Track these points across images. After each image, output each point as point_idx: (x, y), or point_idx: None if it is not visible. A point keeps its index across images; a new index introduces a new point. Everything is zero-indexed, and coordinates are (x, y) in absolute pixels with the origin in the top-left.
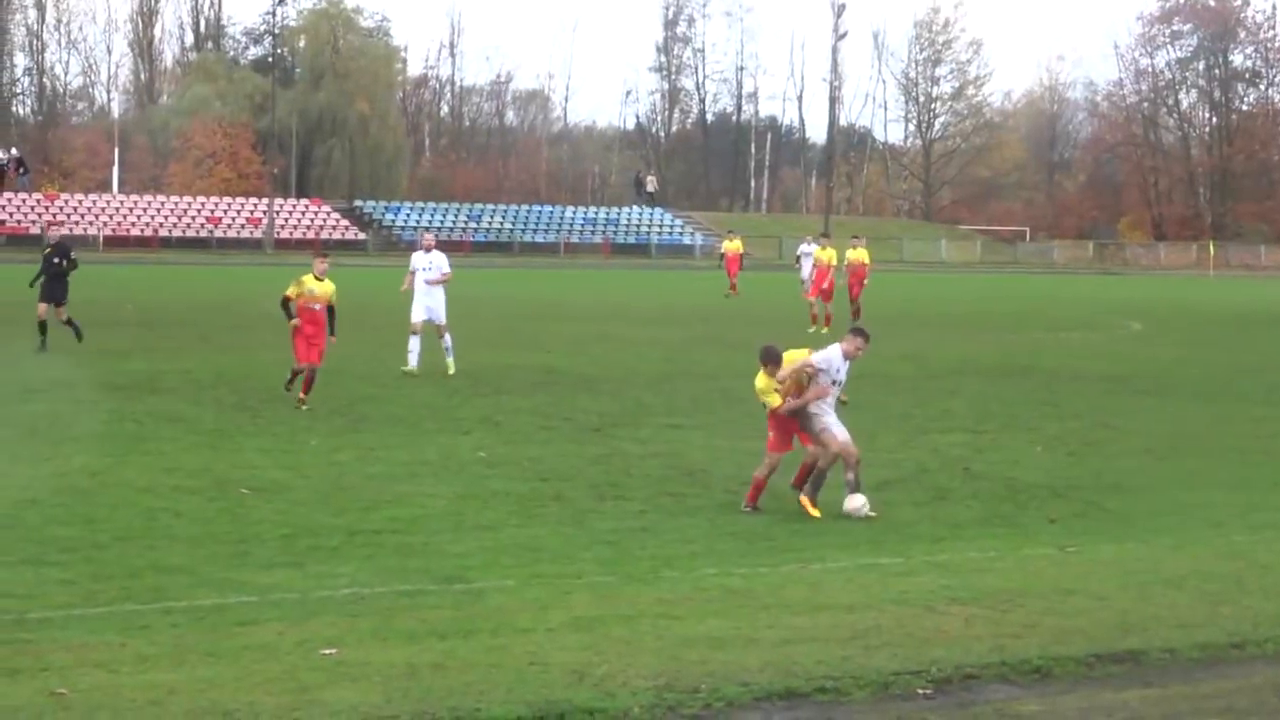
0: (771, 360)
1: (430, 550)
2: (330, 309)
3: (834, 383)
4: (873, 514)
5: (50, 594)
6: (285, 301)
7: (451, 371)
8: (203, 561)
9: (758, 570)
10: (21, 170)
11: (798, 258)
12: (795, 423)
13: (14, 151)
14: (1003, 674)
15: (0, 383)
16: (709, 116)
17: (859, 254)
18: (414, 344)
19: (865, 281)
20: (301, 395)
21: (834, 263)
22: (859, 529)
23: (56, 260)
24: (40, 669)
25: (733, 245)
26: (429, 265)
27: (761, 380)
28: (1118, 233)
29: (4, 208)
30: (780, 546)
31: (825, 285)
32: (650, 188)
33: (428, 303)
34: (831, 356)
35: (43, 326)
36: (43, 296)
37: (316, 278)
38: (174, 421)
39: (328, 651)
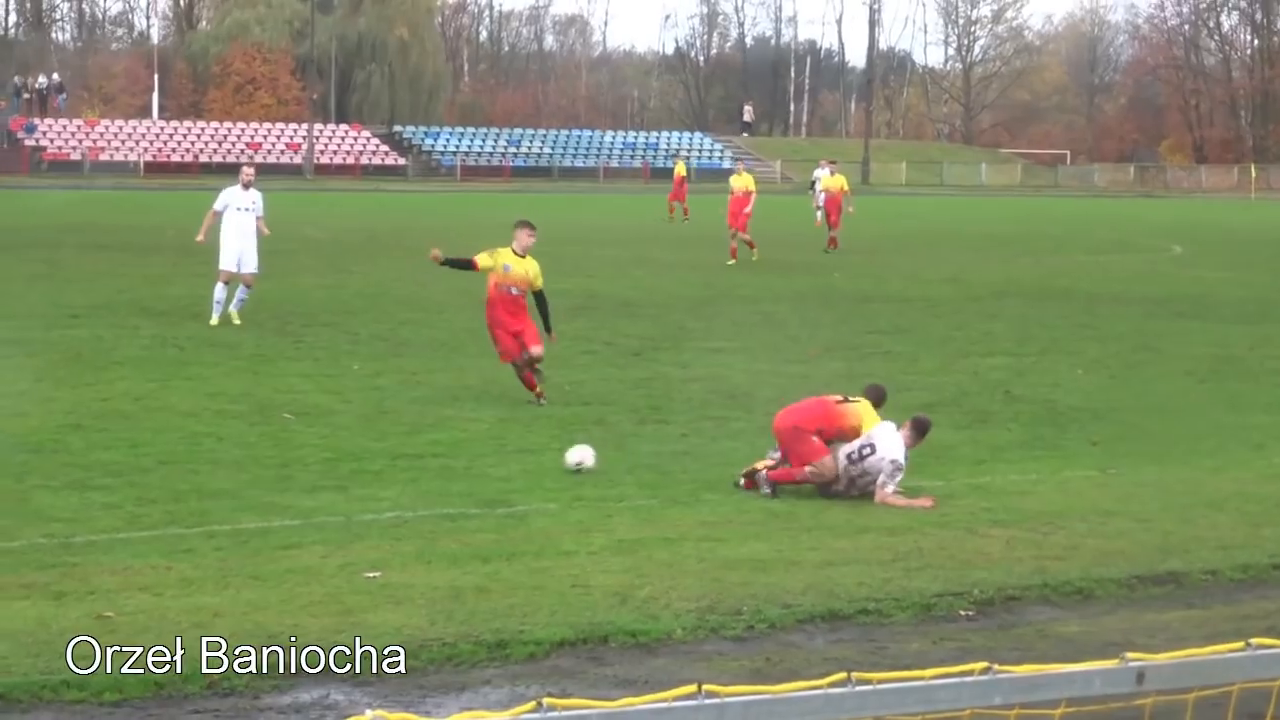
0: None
1: (473, 474)
2: (539, 296)
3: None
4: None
5: (95, 518)
6: (463, 263)
7: (237, 322)
8: (246, 485)
9: (800, 493)
10: (60, 95)
11: (812, 183)
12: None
13: (55, 77)
14: (1044, 596)
15: (43, 308)
16: (748, 40)
17: (835, 180)
18: (219, 293)
19: (848, 210)
20: (536, 392)
21: (845, 189)
22: None
23: None
24: (87, 592)
25: (679, 168)
26: (252, 204)
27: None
28: (1159, 156)
29: (45, 134)
30: None
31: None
32: (747, 117)
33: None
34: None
35: None
36: None
37: (517, 254)
38: (215, 347)
39: (371, 574)
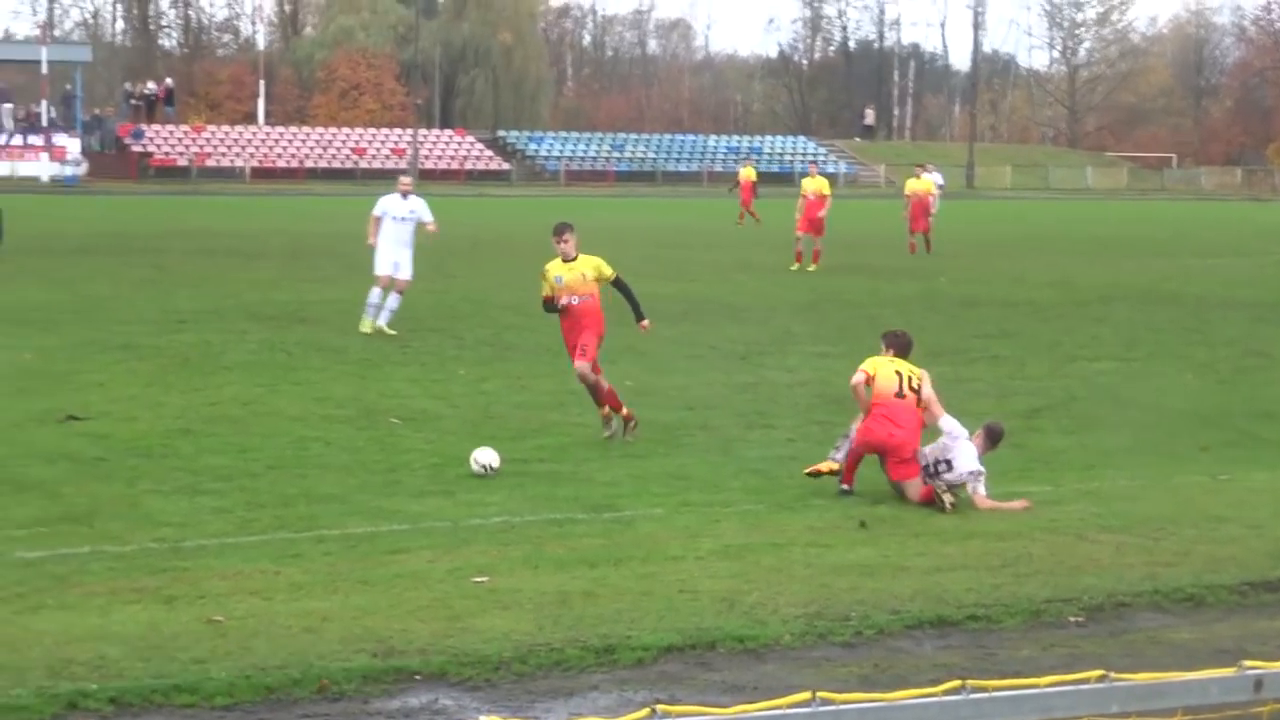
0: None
1: (579, 479)
2: (619, 285)
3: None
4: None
5: (205, 522)
6: (545, 303)
7: (390, 333)
8: (354, 490)
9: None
10: (167, 100)
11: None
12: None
13: (168, 81)
14: (1155, 602)
15: (152, 313)
16: (851, 44)
17: (922, 184)
18: (374, 298)
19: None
20: (605, 412)
21: (931, 192)
22: (1008, 457)
23: None
24: (197, 596)
25: (746, 172)
26: (410, 214)
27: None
28: (1266, 159)
29: (153, 140)
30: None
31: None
32: (869, 120)
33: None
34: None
35: None
36: None
37: (564, 261)
38: (323, 351)
39: (479, 579)
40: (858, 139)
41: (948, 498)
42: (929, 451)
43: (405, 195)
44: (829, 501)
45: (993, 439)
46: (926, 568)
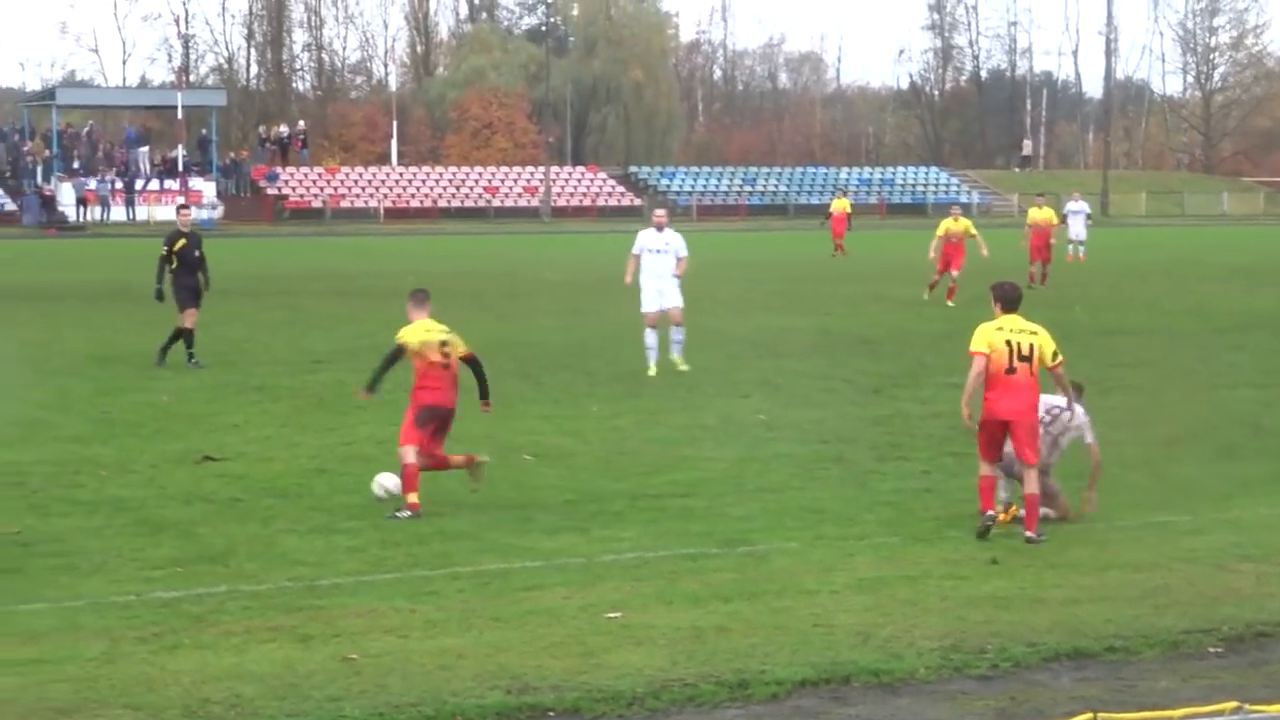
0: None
1: (712, 514)
2: (472, 363)
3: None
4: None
5: (340, 561)
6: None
7: (682, 369)
8: (488, 527)
9: (1042, 529)
10: (302, 145)
11: (1063, 217)
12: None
13: (301, 125)
14: None
15: (286, 354)
16: (983, 73)
17: (1044, 214)
18: (651, 339)
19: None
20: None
21: (1053, 222)
22: (1146, 486)
23: (197, 254)
24: (332, 635)
25: (842, 204)
26: (665, 246)
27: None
28: None
29: (287, 182)
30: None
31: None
32: (1026, 151)
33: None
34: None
35: (183, 335)
36: (188, 300)
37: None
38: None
39: (613, 615)
40: (1016, 170)
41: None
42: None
43: (660, 229)
44: (964, 534)
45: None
46: (1063, 599)
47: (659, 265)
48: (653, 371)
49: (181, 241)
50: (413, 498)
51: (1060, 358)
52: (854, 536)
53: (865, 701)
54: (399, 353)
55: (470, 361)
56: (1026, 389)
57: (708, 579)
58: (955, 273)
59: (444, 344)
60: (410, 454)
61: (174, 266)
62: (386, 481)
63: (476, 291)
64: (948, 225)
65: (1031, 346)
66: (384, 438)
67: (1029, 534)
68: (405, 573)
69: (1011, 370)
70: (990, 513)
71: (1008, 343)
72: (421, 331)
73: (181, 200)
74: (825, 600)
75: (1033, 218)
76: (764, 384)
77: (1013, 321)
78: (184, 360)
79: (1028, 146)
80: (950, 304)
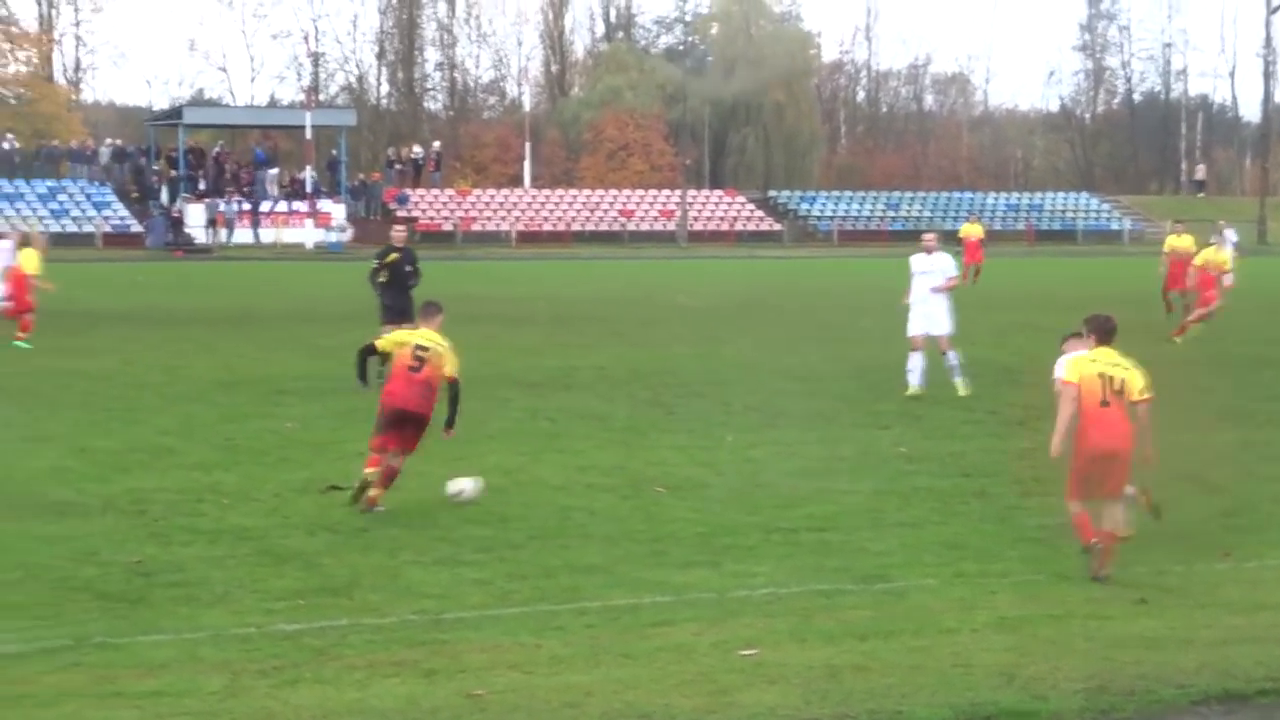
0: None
1: (849, 548)
2: (451, 385)
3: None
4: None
5: (465, 594)
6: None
7: (963, 393)
8: (617, 560)
9: (1192, 568)
10: (435, 166)
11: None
12: None
13: (435, 145)
14: None
15: None
16: (1136, 96)
17: (1183, 241)
18: (913, 362)
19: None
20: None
21: (1192, 250)
22: None
23: (409, 269)
24: (457, 670)
25: (973, 229)
26: (931, 269)
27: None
28: None
29: (418, 204)
30: (1215, 544)
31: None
32: (1200, 175)
33: (923, 314)
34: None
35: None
36: (394, 317)
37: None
38: (587, 418)
39: (746, 652)
40: (1197, 195)
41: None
42: None
43: (930, 252)
44: (1111, 571)
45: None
46: (1212, 640)
47: (926, 288)
48: (911, 392)
49: (393, 256)
50: (374, 492)
51: (1148, 395)
52: (996, 573)
53: None
54: (370, 350)
55: (451, 384)
56: (1121, 422)
57: (843, 616)
58: (1198, 305)
59: (421, 349)
60: (373, 455)
61: (384, 280)
62: (457, 487)
63: (610, 317)
64: (1172, 242)
65: (1123, 382)
66: (512, 467)
67: (1102, 572)
68: (532, 607)
69: (1105, 404)
70: (1094, 540)
71: (1100, 375)
72: (403, 338)
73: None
74: (965, 639)
75: (1170, 245)
76: (905, 415)
77: (1107, 355)
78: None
79: (1201, 171)
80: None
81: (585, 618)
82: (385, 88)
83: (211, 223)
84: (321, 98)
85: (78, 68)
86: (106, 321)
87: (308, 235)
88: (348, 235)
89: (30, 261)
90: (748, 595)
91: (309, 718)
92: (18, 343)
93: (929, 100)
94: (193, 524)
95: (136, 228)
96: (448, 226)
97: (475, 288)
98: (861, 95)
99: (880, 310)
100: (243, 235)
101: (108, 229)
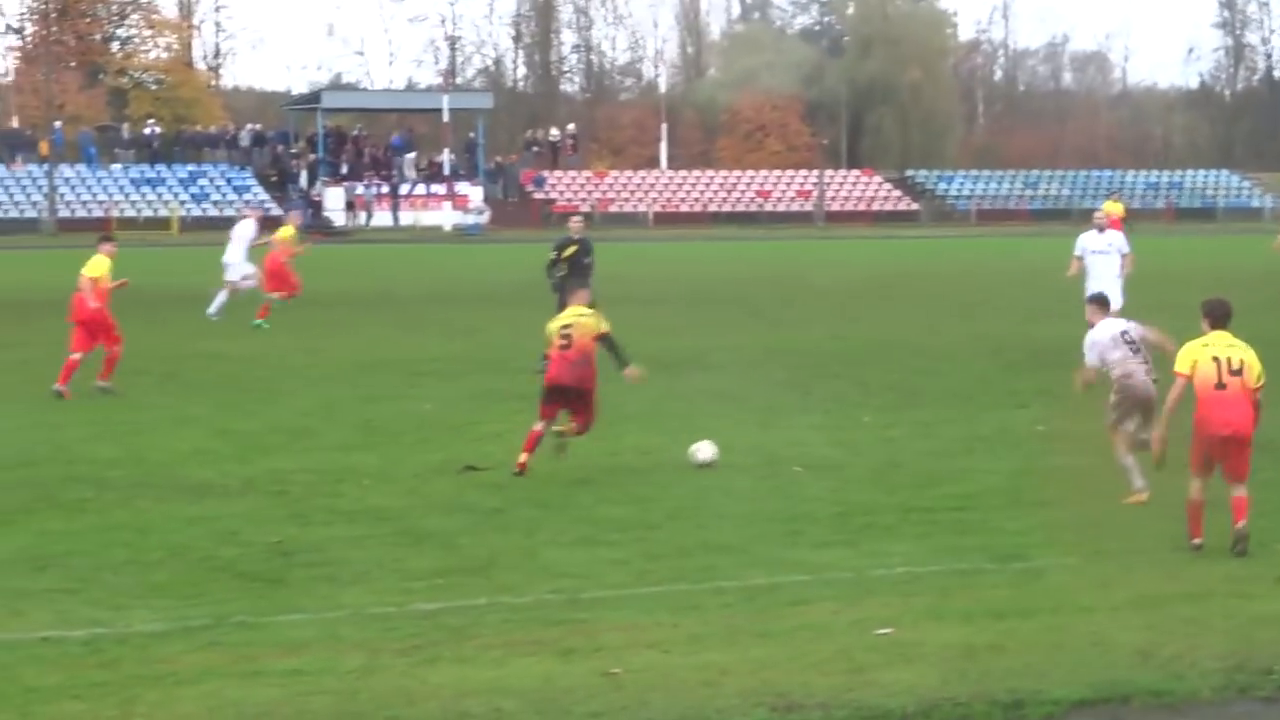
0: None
1: (987, 528)
2: (604, 339)
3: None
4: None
5: (602, 573)
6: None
7: None
8: (754, 540)
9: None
10: (572, 149)
11: None
12: None
13: (571, 127)
14: None
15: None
16: (1276, 73)
17: None
18: None
19: None
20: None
21: None
22: None
23: (587, 260)
24: (594, 649)
25: (1114, 207)
26: (1107, 246)
27: None
28: None
29: (554, 186)
30: None
31: None
32: None
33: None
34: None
35: None
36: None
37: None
38: (724, 399)
39: (883, 631)
40: None
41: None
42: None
43: (1101, 230)
44: (1252, 549)
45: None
46: None
47: (1101, 266)
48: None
49: (572, 248)
50: (523, 457)
51: (1262, 380)
52: (1134, 552)
53: None
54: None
55: (602, 338)
56: (1240, 403)
57: (981, 595)
58: None
59: (565, 327)
60: (537, 424)
61: (563, 274)
62: (703, 453)
63: (747, 298)
64: None
65: (1242, 362)
66: (649, 448)
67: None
68: (669, 586)
69: (1221, 386)
70: (1198, 541)
71: (1215, 359)
72: (552, 326)
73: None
74: (1103, 618)
75: None
76: (1044, 394)
77: (1220, 338)
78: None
79: None
80: None
81: (722, 597)
82: (522, 70)
83: (350, 206)
84: (459, 81)
85: (217, 53)
86: (247, 304)
87: (445, 218)
88: (485, 218)
89: (287, 237)
90: (885, 574)
91: (447, 696)
92: (258, 322)
93: (1067, 78)
94: (332, 504)
95: (276, 211)
96: (585, 208)
97: (611, 269)
98: (999, 74)
99: (1018, 288)
100: (381, 218)
101: (248, 212)
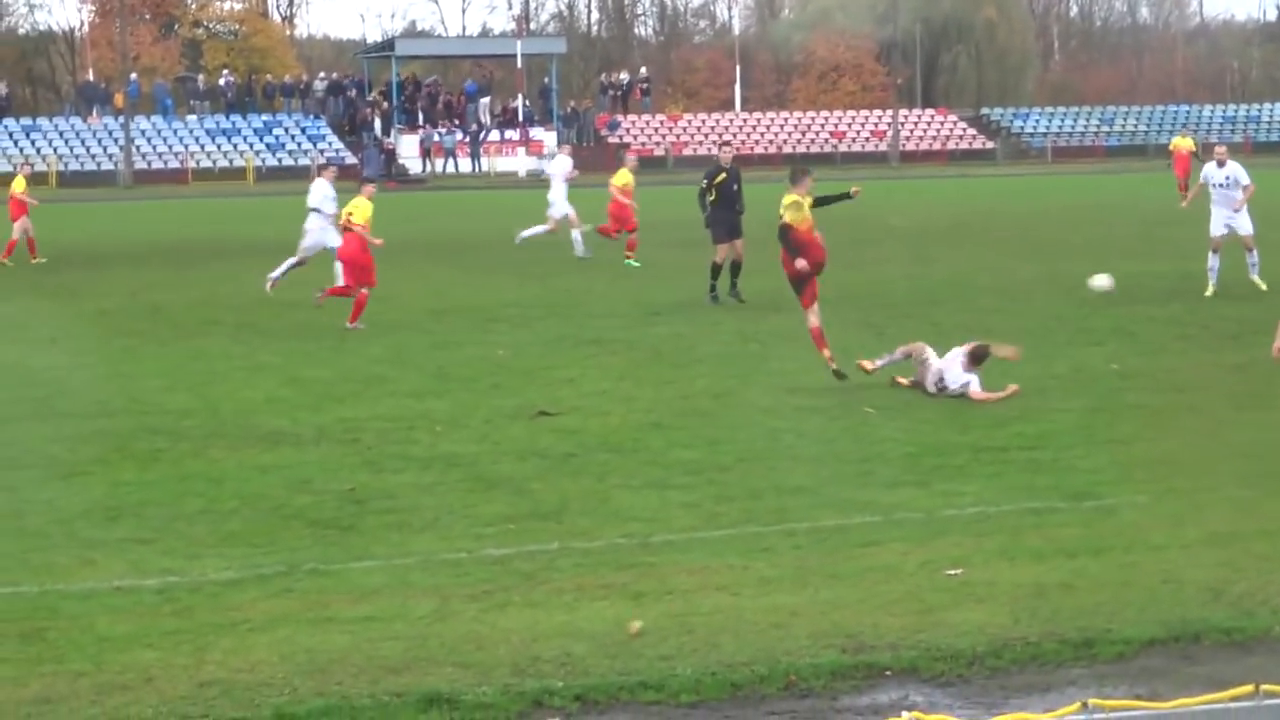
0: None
1: (1059, 466)
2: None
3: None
4: None
5: (673, 517)
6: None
7: (1264, 288)
8: (825, 482)
9: None
10: (644, 93)
11: None
12: None
13: (643, 71)
14: None
15: (625, 307)
16: None
17: None
18: (1212, 261)
19: None
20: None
21: None
22: None
23: (735, 188)
24: (664, 592)
25: (1184, 142)
26: (1226, 180)
27: None
28: None
29: (629, 130)
30: None
31: None
32: None
33: (1225, 218)
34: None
35: (717, 270)
36: (723, 234)
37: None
38: (796, 341)
39: (953, 572)
40: None
41: None
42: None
43: (1221, 164)
44: None
45: (975, 359)
46: None
47: (1224, 198)
48: (1209, 292)
49: (722, 176)
50: (828, 353)
51: None
52: (1206, 489)
53: (1216, 660)
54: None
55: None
56: None
57: (1052, 534)
58: None
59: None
60: (812, 317)
61: (713, 199)
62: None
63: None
64: None
65: None
66: (720, 390)
67: None
68: (740, 529)
69: None
70: None
71: None
72: (805, 210)
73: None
74: (1175, 556)
75: None
76: (1118, 331)
77: None
78: (708, 296)
79: None
80: None
81: (793, 539)
82: (595, 15)
83: (426, 153)
84: (532, 26)
85: (290, 2)
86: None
87: (520, 164)
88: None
89: (627, 182)
90: (956, 514)
91: (517, 641)
92: (629, 262)
93: (1143, 13)
94: (404, 451)
95: (351, 160)
96: (659, 152)
97: (685, 213)
98: (1074, 10)
99: (1093, 226)
100: (463, 165)
101: (323, 161)
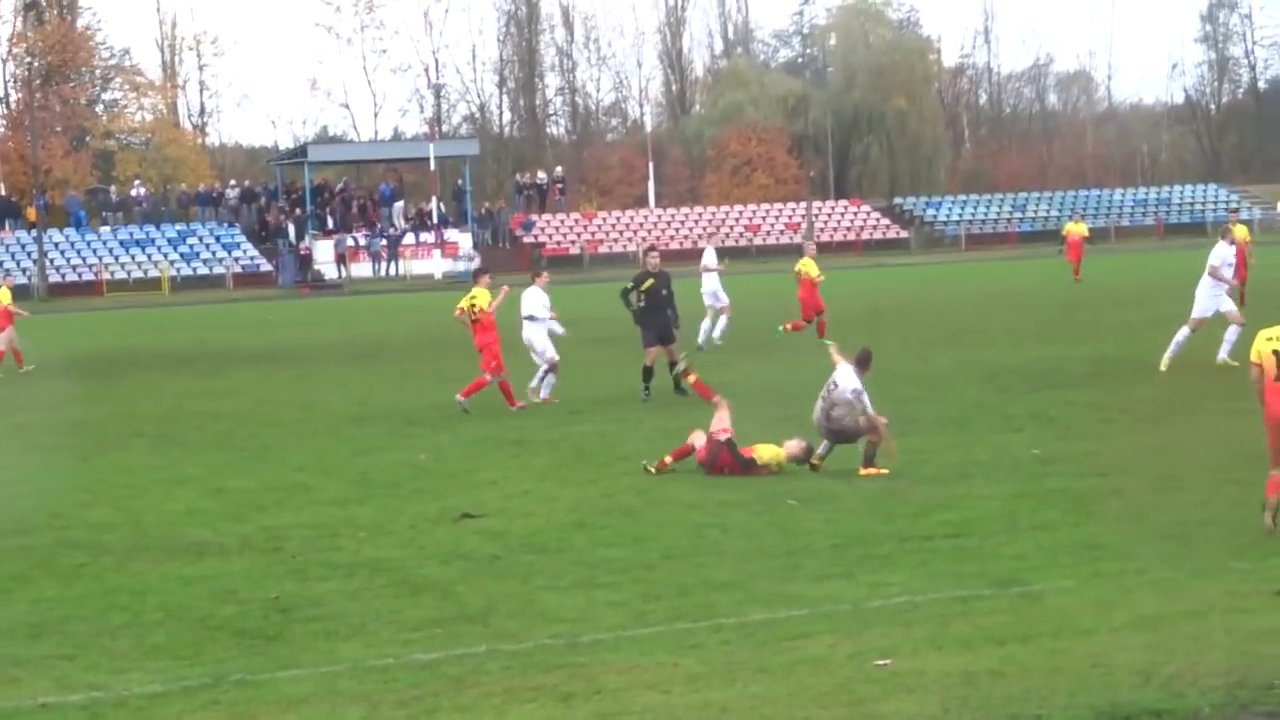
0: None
1: (984, 553)
2: None
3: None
4: None
5: (601, 616)
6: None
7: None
8: (752, 576)
9: None
10: (560, 192)
11: None
12: None
13: (558, 170)
14: None
15: (546, 407)
16: (1261, 84)
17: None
18: (1184, 337)
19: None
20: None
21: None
22: None
23: (665, 293)
24: (593, 692)
25: (1077, 228)
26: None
27: None
28: None
29: (543, 230)
30: None
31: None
32: None
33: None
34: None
35: (649, 373)
36: (653, 339)
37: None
38: None
39: (882, 662)
40: None
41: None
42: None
43: (1231, 243)
44: (1250, 564)
45: (862, 364)
46: None
47: (1223, 278)
48: (1164, 367)
49: (650, 282)
50: None
51: None
52: (1133, 572)
53: None
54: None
55: None
56: None
57: (980, 621)
58: None
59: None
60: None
61: (642, 305)
62: None
63: (735, 332)
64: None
65: None
66: (644, 488)
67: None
68: (668, 626)
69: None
70: (1273, 498)
71: (1275, 353)
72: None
73: (439, 252)
74: (1104, 639)
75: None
76: (1037, 416)
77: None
78: (642, 393)
79: None
80: None
81: (721, 634)
82: (507, 115)
83: (341, 258)
84: (444, 129)
85: (202, 111)
86: (240, 361)
87: (436, 266)
88: (475, 263)
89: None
90: (883, 605)
91: None
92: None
93: (1052, 99)
94: (329, 559)
95: (266, 267)
96: (574, 250)
97: (603, 311)
98: (984, 98)
99: (1009, 313)
100: (362, 270)
101: (238, 269)
